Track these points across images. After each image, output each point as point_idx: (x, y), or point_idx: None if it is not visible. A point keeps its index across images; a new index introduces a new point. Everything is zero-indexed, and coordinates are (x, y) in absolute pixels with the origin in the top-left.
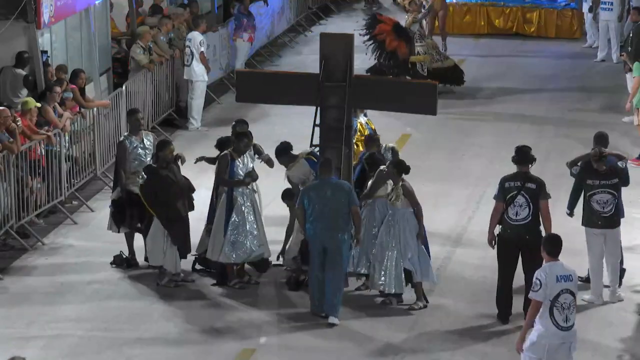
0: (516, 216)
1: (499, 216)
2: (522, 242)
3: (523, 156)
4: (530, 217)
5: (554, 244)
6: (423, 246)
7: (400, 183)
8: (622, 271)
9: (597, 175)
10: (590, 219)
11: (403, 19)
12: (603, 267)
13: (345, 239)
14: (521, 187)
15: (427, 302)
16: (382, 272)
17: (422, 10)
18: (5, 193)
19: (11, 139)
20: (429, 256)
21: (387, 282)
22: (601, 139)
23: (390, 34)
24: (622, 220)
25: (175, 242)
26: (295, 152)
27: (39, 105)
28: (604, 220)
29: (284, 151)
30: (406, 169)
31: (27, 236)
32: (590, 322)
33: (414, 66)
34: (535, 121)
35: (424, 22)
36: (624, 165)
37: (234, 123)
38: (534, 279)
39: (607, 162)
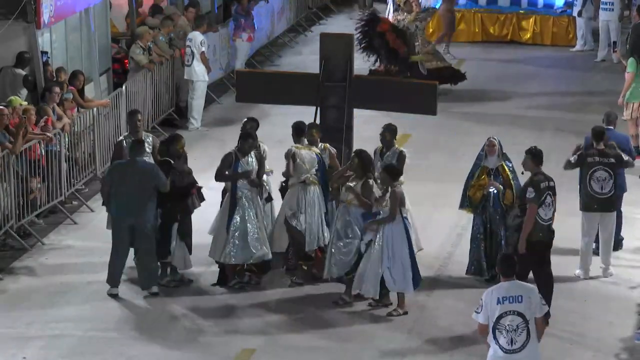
0: (546, 217)
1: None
2: (549, 242)
3: (541, 155)
4: (552, 217)
5: (507, 264)
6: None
7: (362, 182)
8: (620, 240)
9: (597, 152)
10: (588, 204)
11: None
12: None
13: (150, 218)
14: (549, 187)
15: (406, 311)
16: (362, 275)
17: (416, 10)
18: (5, 193)
19: (11, 139)
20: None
21: (365, 286)
22: (609, 117)
23: (391, 32)
24: (622, 211)
25: (183, 237)
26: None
27: (24, 103)
28: (601, 203)
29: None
30: (366, 165)
31: (27, 236)
32: (591, 322)
33: (415, 65)
34: (535, 121)
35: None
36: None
37: (245, 120)
38: (480, 299)
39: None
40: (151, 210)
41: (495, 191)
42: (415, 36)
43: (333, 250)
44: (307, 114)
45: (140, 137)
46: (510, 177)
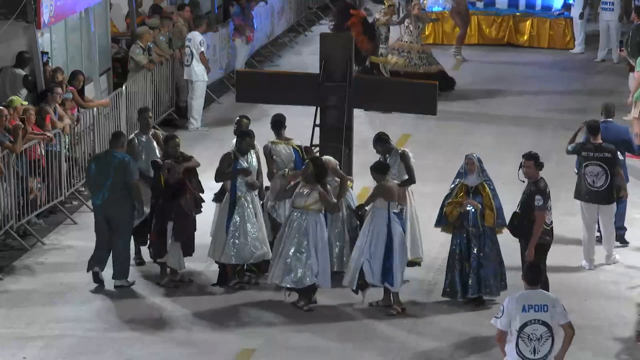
0: (548, 221)
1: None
2: (549, 245)
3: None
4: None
5: (533, 273)
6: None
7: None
8: (623, 232)
9: (593, 147)
10: (579, 193)
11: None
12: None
13: (127, 210)
14: (549, 191)
15: (402, 309)
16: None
17: (394, 15)
18: (5, 193)
19: (11, 139)
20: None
21: (346, 276)
22: (608, 109)
23: (357, 26)
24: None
25: (177, 238)
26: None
27: (25, 103)
28: (592, 195)
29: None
30: (320, 173)
31: (27, 236)
32: (591, 322)
33: (377, 67)
34: (535, 121)
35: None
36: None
37: (237, 119)
38: (500, 305)
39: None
40: (127, 202)
41: (473, 210)
42: (383, 39)
43: (288, 260)
44: (307, 114)
45: (150, 134)
46: (490, 196)
